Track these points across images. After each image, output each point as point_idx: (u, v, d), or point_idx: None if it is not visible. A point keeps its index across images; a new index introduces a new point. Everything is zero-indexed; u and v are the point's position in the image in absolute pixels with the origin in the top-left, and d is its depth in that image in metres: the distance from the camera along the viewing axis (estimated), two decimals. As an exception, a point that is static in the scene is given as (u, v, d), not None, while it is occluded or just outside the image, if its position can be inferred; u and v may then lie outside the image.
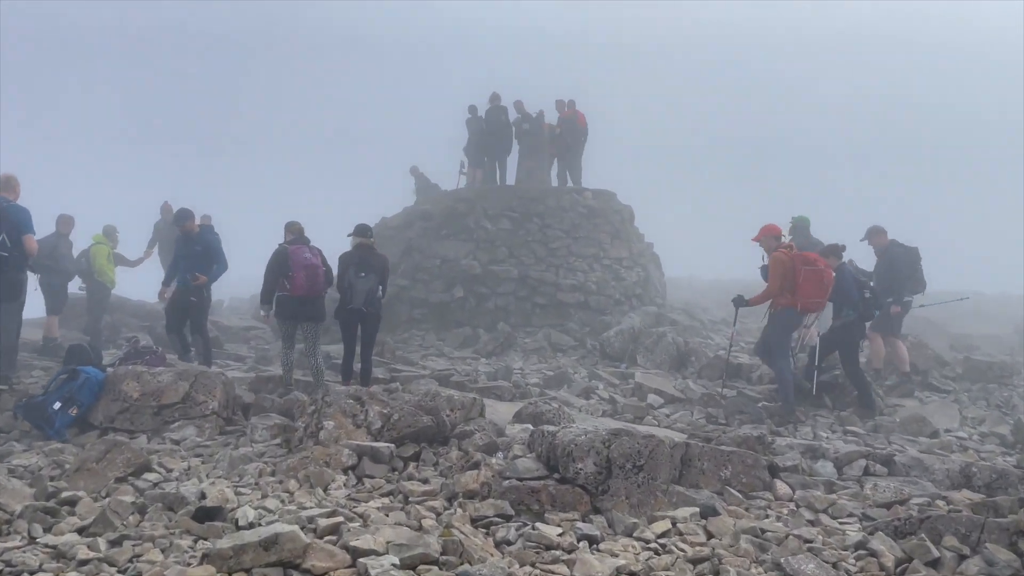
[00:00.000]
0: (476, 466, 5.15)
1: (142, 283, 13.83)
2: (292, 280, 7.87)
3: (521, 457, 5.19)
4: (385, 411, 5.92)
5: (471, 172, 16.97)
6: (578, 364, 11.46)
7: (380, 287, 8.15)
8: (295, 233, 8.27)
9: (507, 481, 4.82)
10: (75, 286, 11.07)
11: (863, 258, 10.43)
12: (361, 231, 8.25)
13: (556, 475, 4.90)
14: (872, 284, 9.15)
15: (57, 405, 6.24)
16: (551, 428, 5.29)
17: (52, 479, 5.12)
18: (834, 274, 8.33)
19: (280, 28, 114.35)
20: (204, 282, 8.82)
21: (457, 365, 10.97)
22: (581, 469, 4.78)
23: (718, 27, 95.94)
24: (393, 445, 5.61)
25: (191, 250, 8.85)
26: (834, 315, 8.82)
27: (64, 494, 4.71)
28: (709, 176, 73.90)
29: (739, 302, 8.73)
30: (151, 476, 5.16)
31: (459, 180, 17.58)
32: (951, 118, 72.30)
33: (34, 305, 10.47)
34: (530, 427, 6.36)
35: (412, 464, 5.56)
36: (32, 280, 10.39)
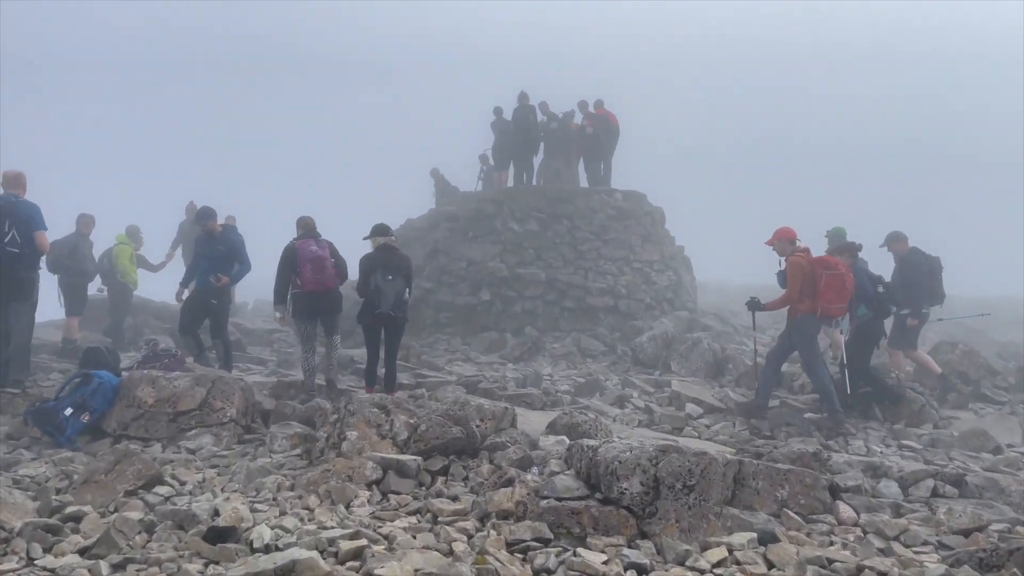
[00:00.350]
0: (510, 483, 4.75)
1: (165, 284, 13.65)
2: (301, 275, 7.72)
3: (559, 474, 4.79)
4: (412, 421, 5.55)
5: (497, 174, 16.70)
6: (609, 370, 11.02)
7: (407, 289, 7.83)
8: (305, 228, 8.07)
9: (545, 501, 4.42)
10: (92, 287, 10.85)
11: (881, 265, 10.02)
12: (382, 230, 7.91)
13: (598, 495, 4.49)
14: (886, 281, 8.70)
15: (69, 411, 5.94)
16: (591, 443, 4.88)
17: (58, 491, 4.81)
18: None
19: (303, 30, 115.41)
20: (227, 283, 8.57)
21: (484, 371, 10.59)
22: (626, 489, 4.36)
23: (749, 27, 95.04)
24: (420, 458, 5.24)
25: (214, 250, 8.59)
26: (850, 315, 8.43)
27: (69, 509, 4.38)
28: (735, 177, 72.74)
29: (754, 305, 8.29)
30: (163, 489, 4.82)
31: (477, 184, 17.42)
32: (984, 122, 70.55)
33: (55, 306, 10.30)
34: (565, 439, 5.99)
35: (440, 479, 5.18)
36: (51, 280, 10.24)
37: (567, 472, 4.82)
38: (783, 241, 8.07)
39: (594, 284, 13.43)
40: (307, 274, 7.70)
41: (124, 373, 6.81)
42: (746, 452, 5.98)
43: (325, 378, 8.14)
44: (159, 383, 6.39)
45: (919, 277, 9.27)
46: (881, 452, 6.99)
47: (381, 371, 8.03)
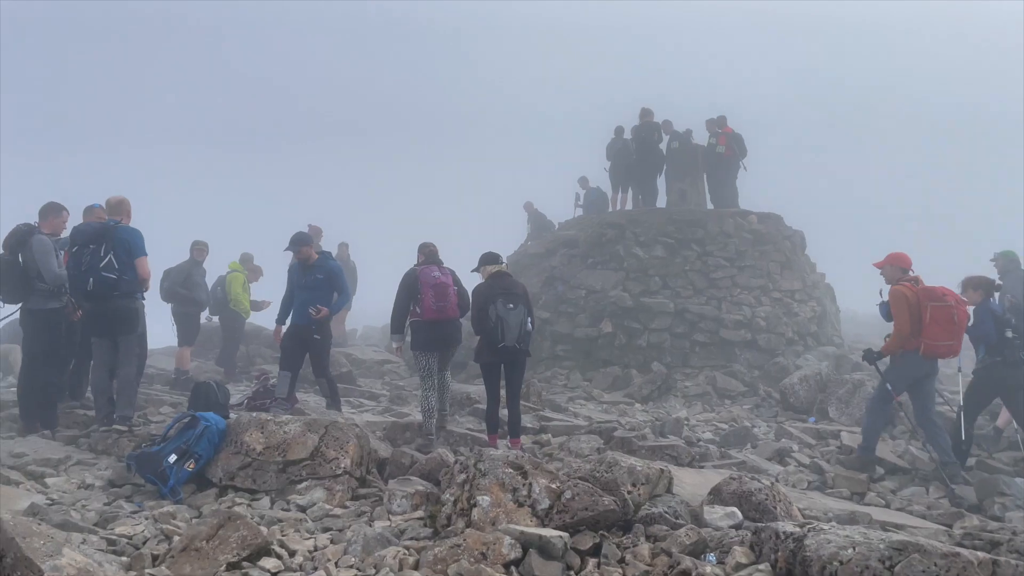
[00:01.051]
0: (684, 576, 3.76)
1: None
2: (422, 302, 7.12)
3: (747, 567, 3.75)
4: (554, 486, 4.64)
5: (615, 197, 15.85)
6: (753, 415, 9.77)
7: (529, 318, 7.03)
8: (426, 254, 7.54)
9: (740, 611, 3.40)
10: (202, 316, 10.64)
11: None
12: (493, 258, 7.21)
13: (809, 604, 3.43)
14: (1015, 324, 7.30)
15: (173, 458, 5.39)
16: (790, 529, 3.82)
17: (154, 559, 4.18)
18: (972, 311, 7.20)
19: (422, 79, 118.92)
20: (327, 315, 7.90)
21: (611, 411, 9.59)
22: (852, 601, 3.29)
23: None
24: (567, 534, 4.31)
25: (311, 279, 7.91)
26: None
27: (163, 587, 3.73)
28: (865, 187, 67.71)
29: (871, 357, 7.23)
30: (269, 563, 4.10)
31: (575, 210, 16.66)
32: None
33: (168, 334, 10.10)
34: (736, 512, 4.91)
35: (591, 561, 4.23)
36: (165, 310, 10.06)
37: (760, 567, 3.78)
38: (894, 267, 7.22)
39: (729, 316, 12.17)
40: (429, 301, 7.12)
41: (232, 414, 6.26)
42: (975, 539, 4.73)
43: (437, 417, 7.40)
44: (268, 428, 5.77)
45: None
46: None
47: (502, 413, 7.23)
